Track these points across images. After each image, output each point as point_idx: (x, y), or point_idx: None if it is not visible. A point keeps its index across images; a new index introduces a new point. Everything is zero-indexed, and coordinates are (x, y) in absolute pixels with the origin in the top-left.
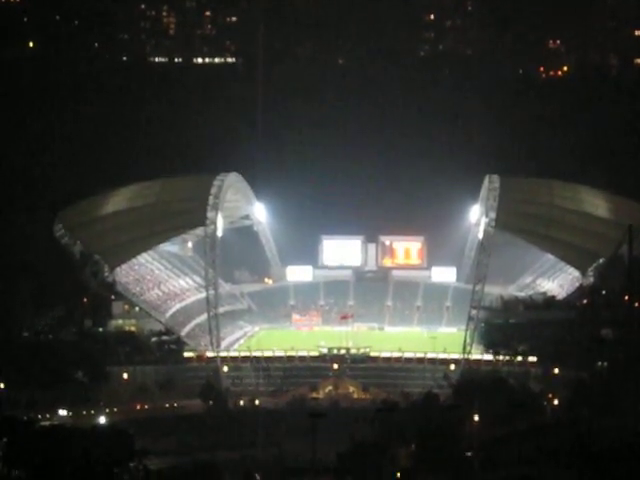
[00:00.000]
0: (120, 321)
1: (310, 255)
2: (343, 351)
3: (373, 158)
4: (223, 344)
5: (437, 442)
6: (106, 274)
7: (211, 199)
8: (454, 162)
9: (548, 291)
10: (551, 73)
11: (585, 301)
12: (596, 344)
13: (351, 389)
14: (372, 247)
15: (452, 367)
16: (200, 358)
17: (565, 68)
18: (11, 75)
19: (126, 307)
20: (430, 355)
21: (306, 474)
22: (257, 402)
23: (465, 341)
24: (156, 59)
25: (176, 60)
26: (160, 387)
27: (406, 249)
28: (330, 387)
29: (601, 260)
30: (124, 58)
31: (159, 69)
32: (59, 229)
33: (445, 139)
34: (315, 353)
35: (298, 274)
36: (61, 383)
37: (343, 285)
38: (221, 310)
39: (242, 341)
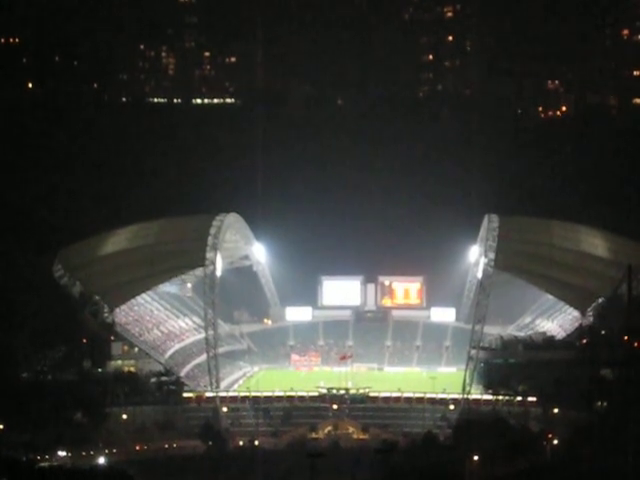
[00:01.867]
0: (119, 362)
1: (309, 295)
2: (342, 391)
3: (372, 198)
4: (222, 384)
5: None
6: (105, 315)
7: (210, 239)
8: (453, 202)
9: (547, 331)
10: (550, 113)
11: (584, 341)
12: (596, 384)
13: (351, 429)
14: (371, 287)
15: (451, 407)
16: (199, 398)
17: (564, 108)
18: (10, 115)
19: (125, 348)
20: (430, 395)
21: None
22: (257, 442)
23: (464, 381)
24: (155, 99)
25: (175, 100)
26: (159, 428)
27: (405, 289)
28: (330, 427)
29: (600, 300)
30: (123, 99)
31: (158, 109)
32: (58, 269)
33: (444, 179)
34: (314, 393)
35: (297, 314)
36: (60, 424)
37: (342, 325)
38: (220, 350)
39: (241, 381)
